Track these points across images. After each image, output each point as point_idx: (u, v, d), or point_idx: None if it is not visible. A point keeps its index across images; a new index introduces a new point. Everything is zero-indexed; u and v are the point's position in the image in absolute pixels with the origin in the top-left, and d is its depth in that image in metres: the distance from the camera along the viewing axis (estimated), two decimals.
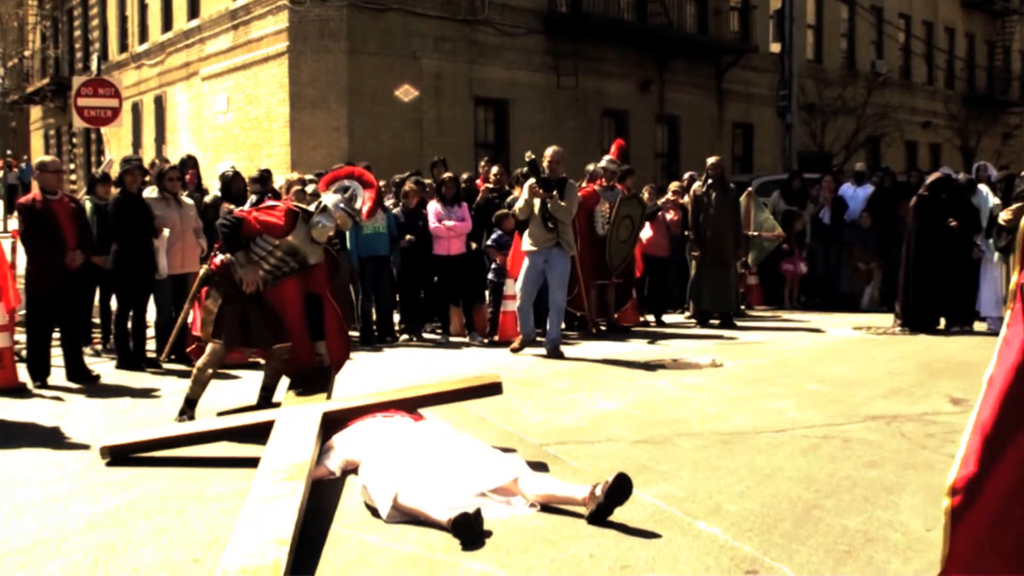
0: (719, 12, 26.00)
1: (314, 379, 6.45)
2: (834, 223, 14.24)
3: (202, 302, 6.44)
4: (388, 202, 11.22)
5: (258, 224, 6.32)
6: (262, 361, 7.15)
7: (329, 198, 6.50)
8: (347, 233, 10.52)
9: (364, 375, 8.48)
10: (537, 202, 9.29)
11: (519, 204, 9.46)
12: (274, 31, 20.06)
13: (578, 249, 10.87)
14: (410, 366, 8.96)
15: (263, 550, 3.74)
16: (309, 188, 10.58)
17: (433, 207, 10.84)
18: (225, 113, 22.08)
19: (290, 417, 5.55)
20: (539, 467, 5.12)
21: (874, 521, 4.35)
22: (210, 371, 6.41)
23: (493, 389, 5.88)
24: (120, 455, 5.47)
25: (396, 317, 11.19)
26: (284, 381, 6.75)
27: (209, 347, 6.40)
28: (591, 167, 11.71)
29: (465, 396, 6.03)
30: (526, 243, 9.46)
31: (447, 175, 11.16)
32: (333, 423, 5.50)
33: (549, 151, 9.51)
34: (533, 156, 9.54)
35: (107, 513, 4.56)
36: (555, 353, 9.30)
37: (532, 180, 9.33)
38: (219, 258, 6.44)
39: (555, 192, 9.30)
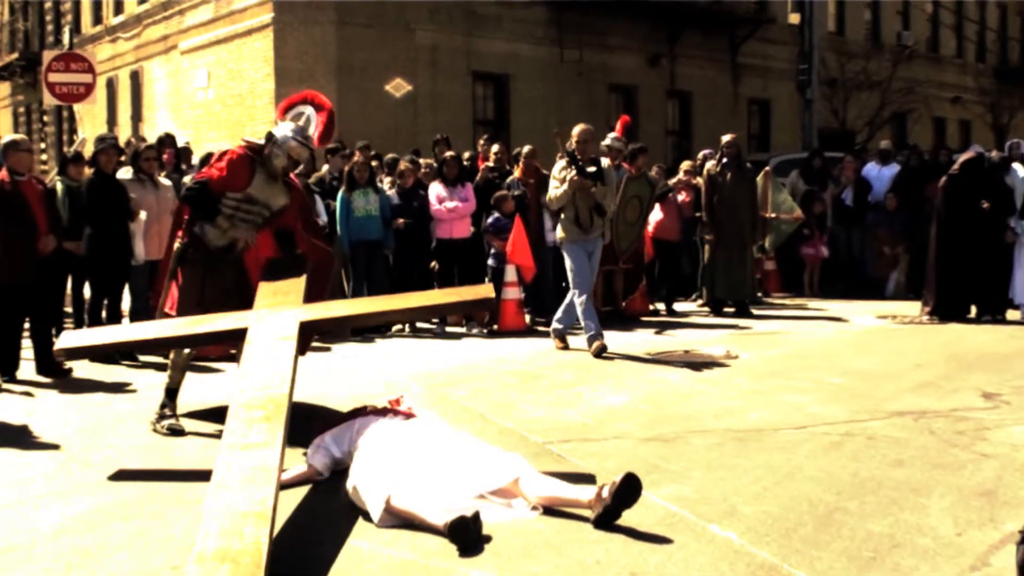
0: None
1: (288, 267, 6.23)
2: (857, 205, 14.20)
3: (179, 281, 6.37)
4: (385, 184, 11.20)
5: (220, 180, 6.24)
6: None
7: (280, 128, 6.35)
8: (337, 217, 10.55)
9: (355, 368, 8.48)
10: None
11: (557, 193, 8.89)
12: (257, 1, 19.98)
13: None
14: (404, 358, 8.95)
15: (241, 526, 3.71)
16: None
17: (435, 189, 10.83)
18: (206, 89, 22.02)
19: (265, 326, 5.38)
20: (541, 467, 5.10)
21: (901, 525, 4.33)
22: (185, 352, 6.34)
23: (485, 303, 5.82)
24: (77, 357, 5.41)
25: None
26: None
27: None
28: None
29: (456, 309, 5.95)
30: (562, 233, 9.01)
31: (449, 154, 11.15)
32: (311, 333, 5.42)
33: (577, 130, 8.94)
34: (561, 134, 9.04)
35: (81, 516, 4.54)
36: (561, 336, 9.26)
37: (575, 173, 8.74)
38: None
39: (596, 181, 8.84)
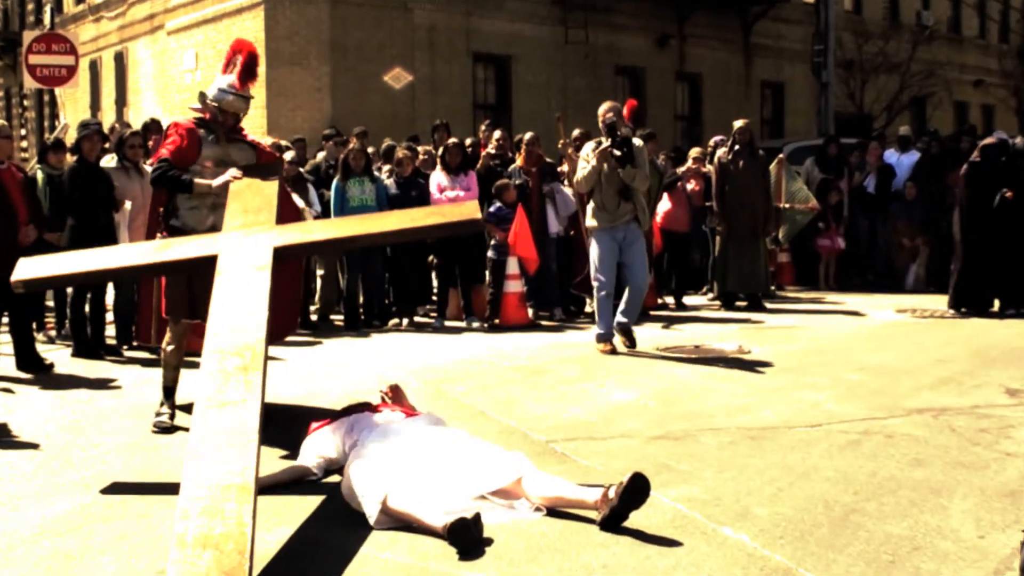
0: None
1: (257, 180, 6.13)
2: (880, 193, 14.18)
3: (164, 282, 6.37)
4: (383, 172, 11.19)
5: (178, 152, 6.22)
6: None
7: (211, 87, 6.36)
8: (332, 206, 10.56)
9: (349, 364, 8.48)
10: (607, 167, 8.58)
11: (584, 172, 8.72)
12: None
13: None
14: (401, 353, 8.95)
15: (222, 502, 3.69)
16: (287, 156, 10.56)
17: (436, 177, 10.82)
18: (194, 71, 21.99)
19: (236, 253, 5.28)
20: (545, 467, 5.10)
21: (921, 527, 4.33)
22: (171, 349, 6.31)
23: (471, 223, 5.72)
24: (37, 288, 5.37)
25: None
26: None
27: (169, 326, 6.36)
28: None
29: (440, 231, 5.81)
30: (592, 220, 8.82)
31: (451, 141, 11.14)
32: (285, 258, 5.35)
33: (604, 108, 8.70)
34: (612, 115, 8.64)
35: (62, 517, 4.54)
36: (627, 331, 8.86)
37: (607, 142, 8.51)
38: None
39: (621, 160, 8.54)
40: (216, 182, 6.10)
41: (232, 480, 3.82)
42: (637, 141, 8.80)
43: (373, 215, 5.97)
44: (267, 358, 4.63)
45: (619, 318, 8.85)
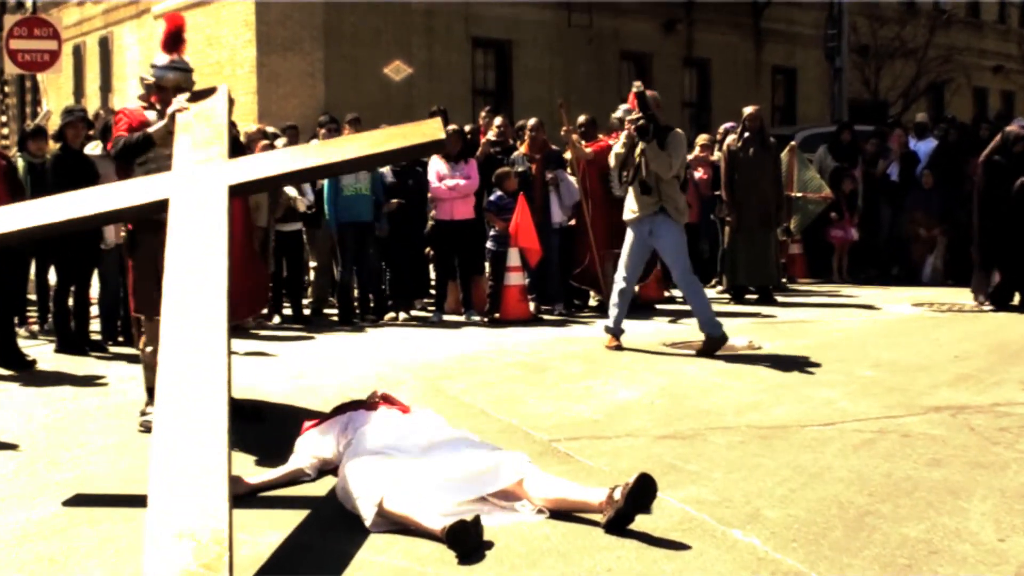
0: None
1: (204, 106, 6.04)
2: (903, 181, 14.17)
3: (133, 273, 6.34)
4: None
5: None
6: None
7: (152, 68, 6.42)
8: (325, 196, 10.55)
9: (344, 360, 8.47)
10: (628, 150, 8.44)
11: (616, 149, 8.62)
12: None
13: (589, 212, 10.86)
14: (398, 348, 8.95)
15: (195, 489, 3.67)
16: (279, 143, 10.56)
17: (435, 165, 10.79)
18: (181, 57, 21.94)
19: (189, 195, 5.14)
20: (547, 467, 5.09)
21: (938, 529, 4.32)
22: (149, 350, 6.27)
23: (435, 145, 5.62)
24: None
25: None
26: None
27: (144, 325, 6.33)
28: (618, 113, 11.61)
29: (403, 154, 5.65)
30: (626, 210, 8.73)
31: (451, 127, 11.10)
32: (242, 195, 5.28)
33: (636, 90, 8.53)
34: (641, 87, 8.49)
35: (45, 521, 4.53)
36: (713, 345, 8.43)
37: (634, 117, 8.38)
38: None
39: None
40: (161, 124, 6.07)
41: (203, 463, 3.76)
42: (678, 131, 8.61)
43: (333, 141, 5.80)
44: (231, 323, 4.56)
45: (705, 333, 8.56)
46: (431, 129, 5.56)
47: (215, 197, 5.10)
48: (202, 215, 5.01)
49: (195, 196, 5.14)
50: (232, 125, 6.64)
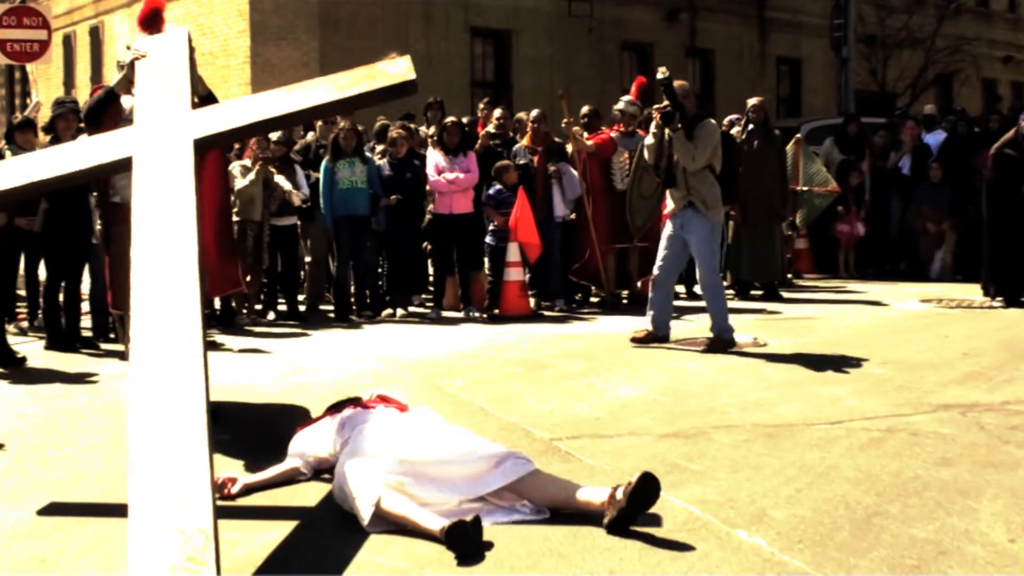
0: None
1: (162, 56, 5.87)
2: (915, 175, 14.17)
3: (110, 266, 6.34)
4: (376, 154, 11.17)
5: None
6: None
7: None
8: (320, 189, 10.54)
9: (340, 356, 8.47)
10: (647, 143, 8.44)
11: (647, 141, 8.60)
12: None
13: (590, 206, 10.86)
14: (395, 345, 8.95)
15: (177, 479, 3.63)
16: (273, 136, 10.54)
17: (433, 158, 10.78)
18: None
19: (152, 153, 4.99)
20: (548, 466, 5.09)
21: (947, 530, 4.32)
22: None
23: (404, 88, 5.47)
24: None
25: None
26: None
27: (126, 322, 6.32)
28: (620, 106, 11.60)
29: (372, 98, 5.45)
30: (668, 204, 8.71)
31: (450, 120, 11.09)
32: (211, 148, 5.25)
33: (662, 76, 8.39)
34: (667, 74, 8.38)
35: (36, 520, 4.54)
36: (719, 345, 8.46)
37: (662, 105, 8.33)
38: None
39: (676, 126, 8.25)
40: (121, 75, 6.03)
41: (183, 455, 3.74)
42: (710, 121, 8.54)
43: (299, 85, 5.69)
44: (204, 293, 4.52)
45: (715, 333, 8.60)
46: (401, 70, 5.45)
47: (181, 153, 4.96)
48: (168, 179, 4.84)
49: (159, 152, 4.99)
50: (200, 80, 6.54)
